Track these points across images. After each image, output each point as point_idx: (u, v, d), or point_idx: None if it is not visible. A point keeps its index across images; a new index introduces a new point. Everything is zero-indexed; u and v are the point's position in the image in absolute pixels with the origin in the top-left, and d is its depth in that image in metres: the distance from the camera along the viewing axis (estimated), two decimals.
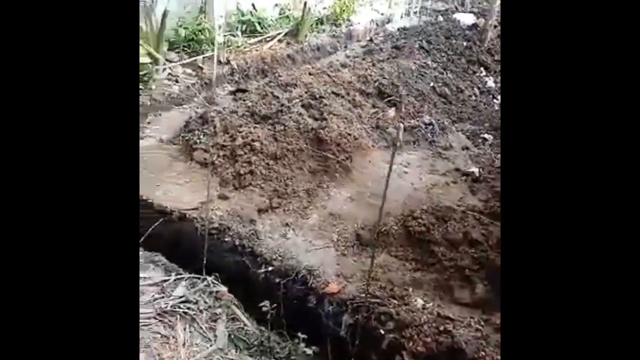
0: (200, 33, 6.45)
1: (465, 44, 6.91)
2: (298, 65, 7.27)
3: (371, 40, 7.44)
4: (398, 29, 7.55)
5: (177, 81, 5.99)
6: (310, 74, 4.73)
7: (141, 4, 5.48)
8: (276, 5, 8.06)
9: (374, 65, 5.39)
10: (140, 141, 4.43)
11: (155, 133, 4.70)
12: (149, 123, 5.04)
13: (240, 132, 4.04)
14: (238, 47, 6.79)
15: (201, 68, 6.24)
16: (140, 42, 5.35)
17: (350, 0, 7.99)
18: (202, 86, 6.09)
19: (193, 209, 3.62)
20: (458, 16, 8.65)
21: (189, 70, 6.21)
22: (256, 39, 7.21)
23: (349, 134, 3.89)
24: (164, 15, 5.51)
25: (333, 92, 4.31)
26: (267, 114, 4.07)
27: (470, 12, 9.18)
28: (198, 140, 4.23)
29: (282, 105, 4.06)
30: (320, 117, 4.00)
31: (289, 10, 8.17)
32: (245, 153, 3.88)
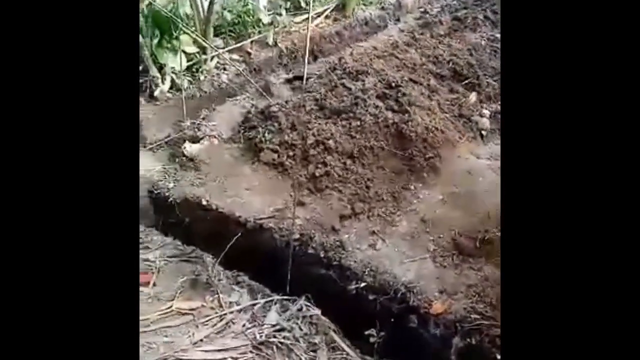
0: (245, 15, 6.05)
1: None
2: (345, 42, 6.84)
3: (425, 11, 6.88)
4: None
5: (225, 69, 5.66)
6: (378, 57, 4.30)
7: None
8: None
9: (440, 42, 4.90)
10: (200, 142, 4.15)
11: (213, 130, 4.40)
12: (203, 119, 4.73)
13: (310, 128, 3.69)
14: (284, 27, 6.37)
15: (249, 53, 5.88)
16: (187, 29, 5.01)
17: None
18: (250, 73, 5.73)
19: (269, 218, 3.32)
20: None
21: (235, 56, 5.85)
22: (302, 17, 6.77)
23: (436, 128, 3.49)
24: None
25: (411, 80, 3.89)
26: (339, 108, 3.69)
27: None
28: (263, 139, 3.90)
29: (357, 97, 3.67)
30: (400, 109, 3.60)
31: None
32: (319, 153, 3.54)
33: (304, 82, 2.46)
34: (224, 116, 4.76)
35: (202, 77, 5.27)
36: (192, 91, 5.12)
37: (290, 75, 5.09)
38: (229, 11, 5.98)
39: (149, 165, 4.28)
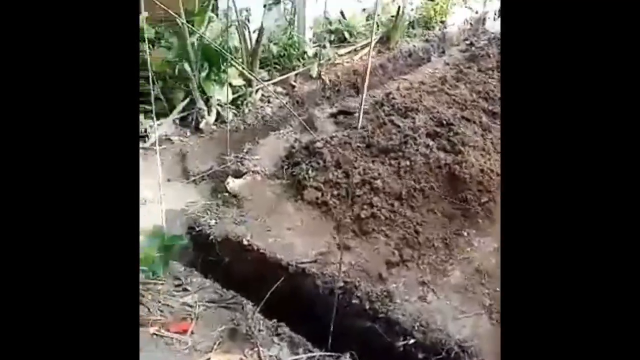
0: (290, 47, 6.05)
1: None
2: (389, 75, 6.74)
3: (471, 44, 6.73)
4: None
5: (269, 102, 5.63)
6: (427, 92, 4.15)
7: (234, 19, 5.14)
8: (364, 10, 7.53)
9: (489, 77, 4.70)
10: (243, 177, 4.08)
11: (257, 165, 4.33)
12: (246, 153, 4.69)
13: (356, 167, 3.55)
14: (329, 59, 6.33)
15: (293, 86, 5.85)
16: (234, 62, 5.03)
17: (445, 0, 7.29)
18: (294, 105, 5.69)
19: (312, 262, 3.17)
20: None
21: (279, 89, 5.83)
22: (346, 50, 6.73)
23: (491, 170, 3.28)
24: (260, 31, 5.13)
25: (462, 117, 3.71)
26: (387, 146, 3.54)
27: None
28: (306, 176, 3.79)
29: (406, 135, 3.51)
30: (453, 149, 3.41)
31: (378, 15, 7.61)
32: (365, 193, 3.39)
33: (359, 120, 2.32)
34: (268, 150, 4.70)
35: (246, 110, 5.25)
36: (236, 123, 5.09)
37: (335, 110, 5.01)
38: (275, 44, 6.00)
39: (192, 199, 4.24)
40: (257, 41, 5.34)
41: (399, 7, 6.75)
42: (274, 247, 3.32)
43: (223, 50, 4.63)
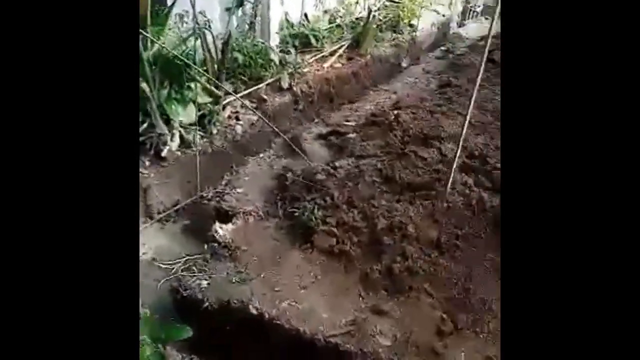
0: (256, 55, 5.32)
1: None
2: (362, 83, 6.25)
3: (448, 50, 6.36)
4: (482, 37, 6.48)
5: (237, 119, 4.89)
6: (433, 112, 3.64)
7: (193, 27, 4.34)
8: (325, 12, 6.95)
9: (493, 92, 4.31)
10: (233, 220, 3.35)
11: (244, 201, 3.61)
12: (226, 185, 3.96)
13: (376, 207, 2.98)
14: (298, 67, 5.68)
15: (264, 100, 5.14)
16: (204, 75, 4.25)
17: (413, 1, 6.87)
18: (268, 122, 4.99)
19: (343, 334, 2.56)
20: None
21: (247, 102, 5.09)
22: (313, 56, 6.11)
23: None
24: (228, 39, 4.39)
25: (496, 147, 3.23)
26: (414, 183, 2.99)
27: None
28: (313, 217, 3.15)
29: (437, 171, 2.98)
30: (494, 186, 2.93)
31: (340, 17, 7.06)
32: (395, 240, 2.82)
33: None
34: (252, 181, 4.00)
35: (214, 130, 4.48)
36: (202, 147, 4.33)
37: (324, 130, 4.39)
38: (239, 51, 5.24)
39: (162, 243, 3.47)
40: (223, 50, 4.58)
41: (369, 10, 6.23)
42: (291, 315, 2.66)
43: (191, 64, 3.85)
